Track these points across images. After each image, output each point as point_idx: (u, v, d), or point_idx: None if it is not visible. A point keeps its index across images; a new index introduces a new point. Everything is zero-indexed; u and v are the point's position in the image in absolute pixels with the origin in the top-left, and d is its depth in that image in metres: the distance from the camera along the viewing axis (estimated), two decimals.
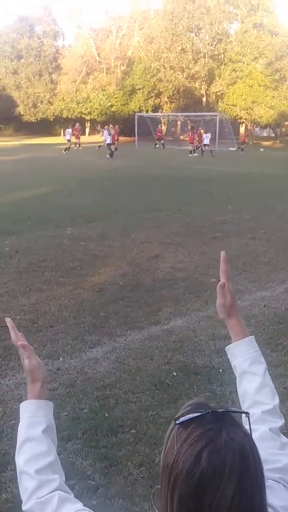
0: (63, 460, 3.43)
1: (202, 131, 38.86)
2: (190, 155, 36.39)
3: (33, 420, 1.39)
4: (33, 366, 1.44)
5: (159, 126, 46.53)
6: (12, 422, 3.92)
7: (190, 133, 40.13)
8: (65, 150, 36.99)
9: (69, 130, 40.91)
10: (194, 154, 36.63)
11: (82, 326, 5.80)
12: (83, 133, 58.91)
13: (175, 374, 4.69)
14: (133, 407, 4.14)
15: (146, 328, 5.78)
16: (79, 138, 41.20)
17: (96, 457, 3.52)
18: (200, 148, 37.52)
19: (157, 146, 42.87)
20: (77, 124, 43.68)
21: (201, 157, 35.21)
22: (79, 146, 40.44)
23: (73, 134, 40.41)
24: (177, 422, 1.03)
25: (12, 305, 6.42)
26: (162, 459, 1.05)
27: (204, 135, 37.99)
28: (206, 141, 37.47)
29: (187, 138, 45.81)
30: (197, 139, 38.01)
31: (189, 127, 43.34)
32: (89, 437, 3.75)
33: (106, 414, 4.04)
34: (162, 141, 42.52)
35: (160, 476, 1.06)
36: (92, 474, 3.36)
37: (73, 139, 40.25)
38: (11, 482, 3.27)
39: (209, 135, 38.04)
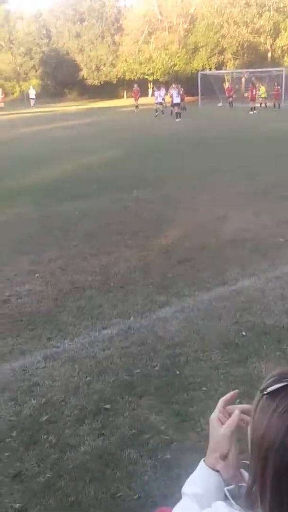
0: (137, 415, 3.60)
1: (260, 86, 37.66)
2: (250, 112, 35.38)
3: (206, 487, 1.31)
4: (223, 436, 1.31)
5: (228, 84, 45.29)
6: (88, 378, 4.09)
7: (250, 91, 38.65)
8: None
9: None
10: (254, 112, 35.52)
11: (150, 286, 5.90)
12: (146, 94, 58.47)
13: (244, 333, 4.72)
14: (203, 365, 4.22)
15: (214, 288, 5.82)
16: (137, 100, 40.78)
17: (169, 413, 3.63)
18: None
19: (220, 104, 42.01)
20: (135, 86, 43.30)
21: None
22: (137, 108, 39.99)
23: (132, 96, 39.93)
24: (264, 393, 1.04)
25: (82, 267, 6.60)
26: (251, 431, 1.06)
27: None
28: None
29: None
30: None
31: (250, 84, 41.89)
32: (161, 394, 3.86)
33: (177, 372, 4.14)
34: (230, 99, 41.37)
35: (250, 449, 1.07)
36: (166, 429, 3.47)
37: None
38: (89, 436, 3.43)
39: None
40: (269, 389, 1.04)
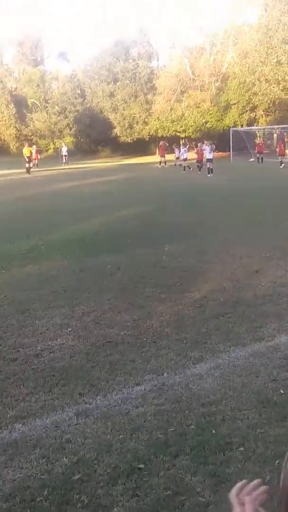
0: (172, 475, 3.46)
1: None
2: (280, 166, 35.70)
3: None
4: None
5: (259, 141, 45.82)
6: (121, 436, 3.98)
7: (279, 145, 39.23)
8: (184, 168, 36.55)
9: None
10: (282, 166, 35.87)
11: (184, 342, 5.81)
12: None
13: (282, 391, 4.57)
14: (240, 425, 4.08)
15: (250, 344, 5.69)
16: (164, 156, 41.49)
17: (205, 474, 3.49)
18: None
19: (251, 160, 42.42)
20: (161, 142, 44.07)
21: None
22: (165, 164, 40.63)
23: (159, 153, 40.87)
24: None
25: (115, 321, 6.55)
26: (282, 480, 1.03)
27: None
28: None
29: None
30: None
31: (279, 139, 42.40)
32: (197, 453, 3.72)
33: (213, 431, 4.00)
34: (261, 155, 41.80)
35: (279, 499, 1.03)
36: (202, 491, 3.33)
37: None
38: (122, 496, 3.31)
39: None
40: None
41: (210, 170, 31.10)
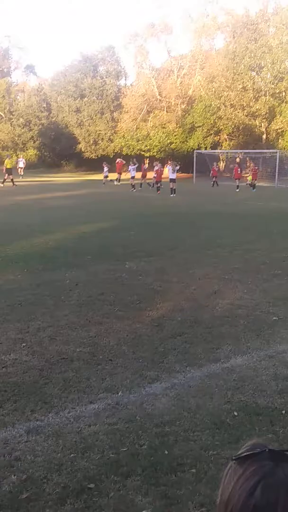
0: (122, 496, 3.40)
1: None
2: (236, 190, 36.64)
3: None
4: None
5: (214, 164, 46.51)
6: (72, 455, 3.90)
7: (235, 169, 40.30)
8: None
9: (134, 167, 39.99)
10: (238, 189, 37.00)
11: (141, 360, 5.77)
12: (141, 169, 59.90)
13: (236, 414, 4.57)
14: (193, 446, 4.05)
15: (206, 365, 5.69)
16: (120, 173, 41.80)
17: (156, 495, 3.45)
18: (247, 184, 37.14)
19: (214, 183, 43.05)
20: (118, 159, 44.35)
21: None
22: (118, 181, 40.89)
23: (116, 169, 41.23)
24: (234, 458, 1.04)
25: (72, 338, 6.46)
26: (219, 495, 1.05)
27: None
28: None
29: (246, 175, 45.79)
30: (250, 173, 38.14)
31: (236, 164, 43.44)
32: (149, 474, 3.67)
33: (166, 452, 3.96)
34: (214, 179, 42.51)
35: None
36: None
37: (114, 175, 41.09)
38: None
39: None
40: (240, 455, 1.03)
41: (172, 190, 31.37)
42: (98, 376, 5.31)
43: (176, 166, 33.55)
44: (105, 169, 42.40)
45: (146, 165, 40.81)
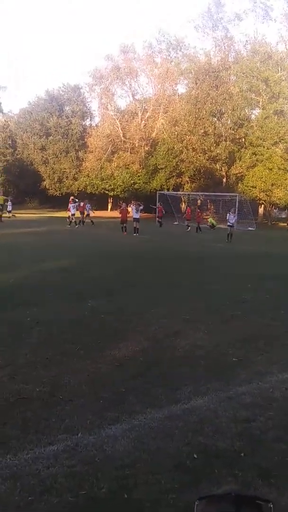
0: None
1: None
2: (187, 230, 38.66)
3: None
4: None
5: (158, 204, 47.35)
6: (29, 498, 3.82)
7: (187, 210, 41.69)
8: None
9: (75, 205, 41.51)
10: (188, 229, 38.85)
11: (101, 401, 5.72)
12: (106, 208, 60.27)
13: (195, 456, 4.55)
14: (153, 489, 4.01)
15: (166, 406, 5.67)
16: (83, 214, 42.08)
17: None
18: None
19: (176, 223, 43.66)
20: (71, 198, 44.51)
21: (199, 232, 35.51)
22: (82, 223, 41.17)
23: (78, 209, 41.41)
24: (199, 498, 1.07)
25: (31, 377, 6.36)
26: None
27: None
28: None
29: (207, 217, 46.57)
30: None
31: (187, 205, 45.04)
32: None
33: (125, 496, 3.91)
34: (159, 220, 43.31)
35: None
36: None
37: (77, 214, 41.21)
38: None
39: (231, 215, 34.65)
40: (207, 494, 1.09)
41: (136, 230, 31.68)
42: (57, 417, 5.23)
43: (140, 206, 33.93)
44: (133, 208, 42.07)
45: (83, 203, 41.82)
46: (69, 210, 39.90)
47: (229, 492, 1.04)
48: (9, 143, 68.56)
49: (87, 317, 9.62)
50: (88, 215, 41.34)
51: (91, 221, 40.77)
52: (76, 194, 63.01)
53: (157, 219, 42.25)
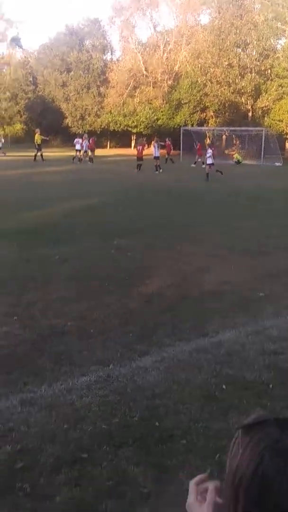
0: (115, 466, 3.50)
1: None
2: (192, 165, 37.59)
3: None
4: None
5: (195, 142, 46.07)
6: (65, 426, 3.99)
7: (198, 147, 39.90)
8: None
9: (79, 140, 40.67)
10: (193, 165, 37.62)
11: (131, 335, 5.85)
12: (129, 146, 59.64)
13: (224, 387, 4.67)
14: (182, 418, 4.15)
15: (194, 339, 5.79)
16: (93, 150, 41.26)
17: (148, 465, 3.55)
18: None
19: (199, 159, 42.76)
20: (84, 135, 43.62)
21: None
22: (91, 161, 39.87)
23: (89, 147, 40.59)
24: (240, 428, 1.06)
25: (62, 312, 6.53)
26: (228, 466, 1.07)
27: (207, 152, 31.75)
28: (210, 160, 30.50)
29: (233, 152, 45.80)
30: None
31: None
32: (140, 445, 3.77)
33: (157, 423, 4.06)
34: (199, 158, 42.07)
35: (225, 483, 1.07)
36: (144, 482, 3.38)
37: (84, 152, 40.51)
38: (65, 486, 3.32)
39: (209, 151, 31.25)
40: (245, 424, 1.05)
41: (157, 167, 31.36)
42: (89, 350, 5.39)
43: (161, 142, 33.42)
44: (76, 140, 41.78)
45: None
46: (82, 146, 39.40)
47: (268, 418, 1.06)
48: (30, 80, 67.36)
49: (115, 255, 9.70)
50: (85, 152, 40.13)
51: (89, 158, 39.38)
52: (98, 132, 62.40)
53: (166, 156, 41.18)
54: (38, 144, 38.08)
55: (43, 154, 37.93)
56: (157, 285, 7.77)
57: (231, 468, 1.04)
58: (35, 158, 37.08)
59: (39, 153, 37.58)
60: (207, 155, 30.43)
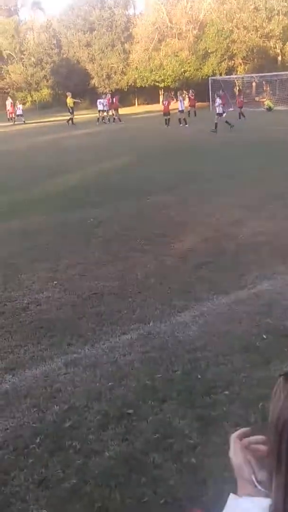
0: (160, 419, 3.58)
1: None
2: (239, 119, 34.14)
3: None
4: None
5: (221, 91, 44.33)
6: (110, 384, 4.09)
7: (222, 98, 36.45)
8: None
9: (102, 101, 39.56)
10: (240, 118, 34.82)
11: (169, 292, 5.90)
12: (157, 101, 58.71)
13: (264, 336, 4.69)
14: (224, 369, 4.21)
15: (232, 292, 5.80)
16: (117, 110, 40.36)
17: (192, 417, 3.62)
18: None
19: (231, 109, 41.50)
20: (108, 95, 42.58)
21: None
22: (112, 119, 39.33)
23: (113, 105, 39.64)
24: (282, 375, 1.07)
25: (100, 273, 6.61)
26: (270, 413, 1.08)
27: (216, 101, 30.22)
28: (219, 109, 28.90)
29: (263, 99, 44.65)
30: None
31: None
32: (184, 398, 3.85)
33: (199, 376, 4.12)
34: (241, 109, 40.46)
35: (268, 431, 1.09)
36: (190, 433, 3.46)
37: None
38: (113, 441, 3.43)
39: (218, 100, 29.75)
40: (287, 372, 1.06)
41: (184, 121, 30.91)
42: (129, 309, 5.47)
43: (185, 95, 32.79)
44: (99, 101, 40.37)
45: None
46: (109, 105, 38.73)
47: None
48: (54, 43, 66.55)
49: (148, 213, 9.71)
50: (107, 111, 39.26)
51: (113, 118, 38.67)
52: (126, 90, 61.60)
53: (189, 109, 39.92)
54: (71, 107, 37.74)
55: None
56: (192, 241, 7.77)
57: (274, 414, 1.05)
58: (69, 122, 36.85)
59: (72, 116, 37.27)
60: (216, 104, 29.27)
